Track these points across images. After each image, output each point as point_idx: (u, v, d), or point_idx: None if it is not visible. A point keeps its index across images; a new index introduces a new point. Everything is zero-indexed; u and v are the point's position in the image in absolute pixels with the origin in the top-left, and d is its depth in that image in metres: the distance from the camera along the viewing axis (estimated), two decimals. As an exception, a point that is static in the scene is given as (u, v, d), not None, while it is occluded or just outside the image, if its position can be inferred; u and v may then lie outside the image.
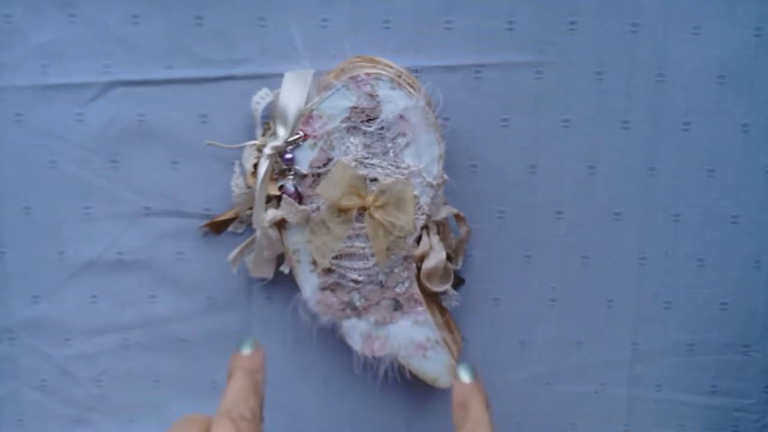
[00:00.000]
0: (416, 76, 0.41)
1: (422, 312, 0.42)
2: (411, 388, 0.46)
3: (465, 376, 0.36)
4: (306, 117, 0.40)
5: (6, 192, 0.44)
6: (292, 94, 0.40)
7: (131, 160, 0.44)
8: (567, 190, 0.44)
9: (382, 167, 0.40)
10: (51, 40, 0.42)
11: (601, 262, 0.46)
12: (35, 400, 0.47)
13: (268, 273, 0.44)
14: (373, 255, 0.41)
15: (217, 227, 0.44)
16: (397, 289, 0.42)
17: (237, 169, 0.42)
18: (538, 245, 0.45)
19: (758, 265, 0.46)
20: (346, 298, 0.42)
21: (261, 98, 0.41)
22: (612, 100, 0.43)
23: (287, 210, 0.41)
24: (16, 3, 0.41)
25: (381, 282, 0.41)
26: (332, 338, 0.44)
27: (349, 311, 0.42)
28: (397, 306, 0.42)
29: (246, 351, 0.34)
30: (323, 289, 0.42)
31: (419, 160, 0.40)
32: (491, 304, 0.46)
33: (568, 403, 0.48)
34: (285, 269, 0.43)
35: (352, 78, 0.39)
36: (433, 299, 0.43)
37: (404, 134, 0.39)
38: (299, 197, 0.41)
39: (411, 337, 0.42)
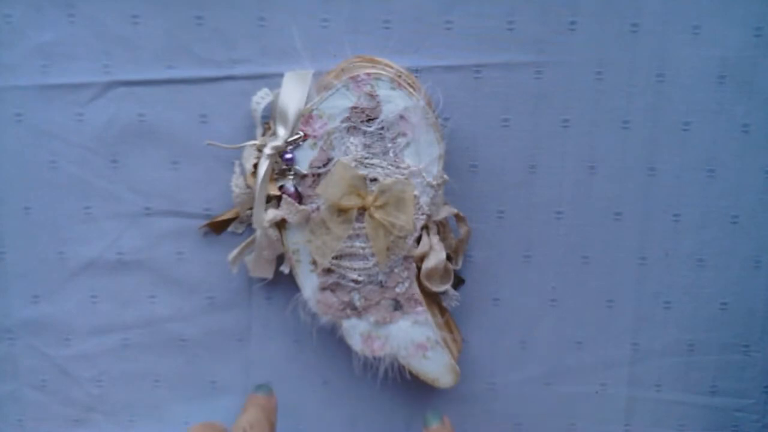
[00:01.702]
0: (416, 76, 0.41)
1: (422, 312, 0.42)
2: (411, 388, 0.46)
3: (433, 423, 0.40)
4: (306, 117, 0.40)
5: (6, 192, 0.44)
6: (292, 94, 0.40)
7: (131, 160, 0.44)
8: (567, 190, 0.44)
9: (382, 167, 0.40)
10: (51, 40, 0.42)
11: (601, 262, 0.46)
12: (35, 400, 0.47)
13: (268, 273, 0.44)
14: (373, 255, 0.41)
15: (217, 227, 0.44)
16: (397, 289, 0.42)
17: (237, 169, 0.42)
18: (538, 245, 0.45)
19: (758, 265, 0.46)
20: (346, 298, 0.42)
21: (261, 98, 0.41)
22: (612, 100, 0.43)
23: (287, 210, 0.41)
24: (16, 3, 0.41)
25: (381, 282, 0.41)
26: (332, 338, 0.44)
27: (349, 311, 0.42)
28: (397, 306, 0.42)
29: (262, 393, 0.39)
30: (323, 289, 0.42)
31: (419, 160, 0.40)
32: (491, 304, 0.46)
33: (568, 403, 0.48)
34: (285, 269, 0.43)
35: (352, 78, 0.39)
36: (433, 299, 0.43)
37: (404, 134, 0.39)
38: (299, 197, 0.41)
39: (411, 337, 0.42)
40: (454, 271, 0.43)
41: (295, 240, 0.42)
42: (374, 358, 0.43)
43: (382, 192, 0.40)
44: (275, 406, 0.39)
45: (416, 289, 0.42)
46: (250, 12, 0.42)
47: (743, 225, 0.45)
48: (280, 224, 0.42)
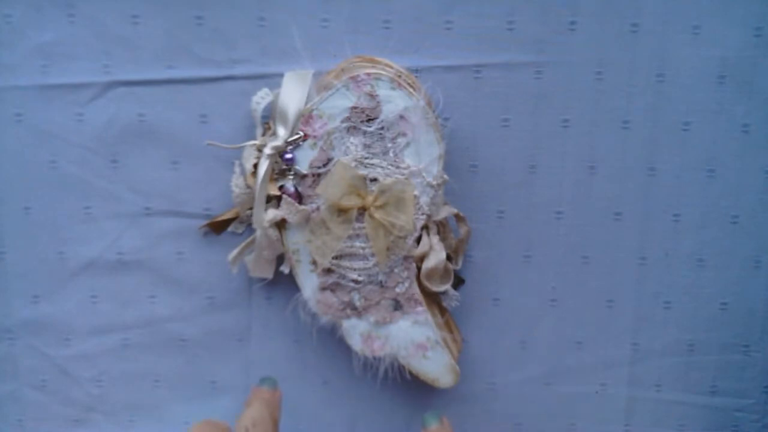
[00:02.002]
0: (416, 76, 0.41)
1: (422, 312, 0.42)
2: (411, 388, 0.46)
3: (432, 424, 0.39)
4: (306, 117, 0.40)
5: (6, 192, 0.44)
6: (292, 94, 0.40)
7: (131, 160, 0.44)
8: (567, 190, 0.44)
9: (382, 167, 0.40)
10: (51, 40, 0.42)
11: (601, 262, 0.46)
12: (35, 400, 0.47)
13: (268, 273, 0.44)
14: (373, 255, 0.41)
15: (217, 227, 0.44)
16: (397, 289, 0.42)
17: (237, 169, 0.42)
18: (538, 245, 0.45)
19: (758, 265, 0.46)
20: (346, 298, 0.42)
21: (261, 98, 0.41)
22: (612, 100, 0.43)
23: (287, 210, 0.41)
24: (16, 3, 0.41)
25: (381, 282, 0.41)
26: (332, 338, 0.44)
27: (349, 311, 0.42)
28: (397, 306, 0.42)
29: (267, 387, 0.38)
30: (323, 289, 0.42)
31: (419, 160, 0.40)
32: (491, 304, 0.46)
33: (568, 403, 0.48)
34: (285, 269, 0.43)
35: (352, 78, 0.39)
36: (433, 299, 0.43)
37: (404, 134, 0.39)
38: (299, 197, 0.41)
39: (411, 337, 0.42)
40: (454, 271, 0.43)
41: (295, 240, 0.42)
42: (374, 358, 0.43)
43: (382, 192, 0.40)
44: (279, 401, 0.38)
45: (416, 289, 0.42)
46: (250, 12, 0.42)
47: (743, 225, 0.45)
48: (280, 224, 0.42)
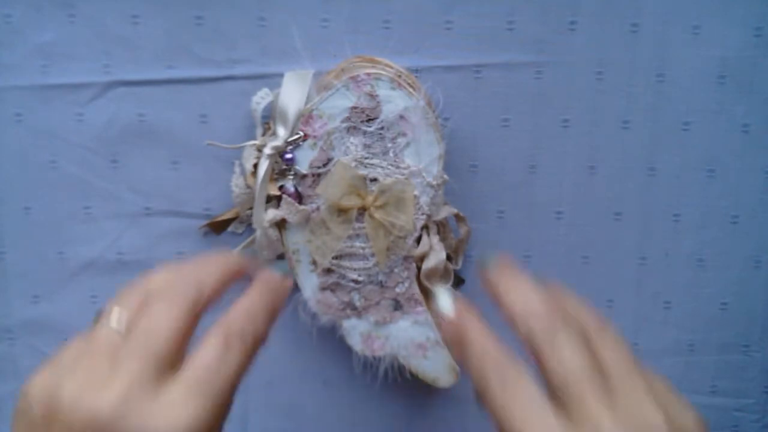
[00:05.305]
0: (416, 76, 0.41)
1: (422, 312, 0.42)
2: (411, 388, 0.46)
3: (445, 306, 0.30)
4: (306, 117, 0.40)
5: (6, 192, 0.44)
6: (292, 94, 0.40)
7: (131, 160, 0.44)
8: (567, 190, 0.44)
9: (382, 167, 0.40)
10: (51, 40, 0.42)
11: (601, 262, 0.46)
12: (35, 400, 0.47)
13: (268, 273, 0.44)
14: (373, 255, 0.41)
15: (217, 227, 0.44)
16: (397, 289, 0.42)
17: (237, 169, 0.42)
18: (538, 245, 0.45)
19: (758, 265, 0.46)
20: (346, 298, 0.42)
21: (261, 98, 0.41)
22: (612, 100, 0.43)
23: (287, 210, 0.41)
24: (16, 3, 0.41)
25: (381, 282, 0.41)
26: (332, 338, 0.44)
27: (349, 311, 0.42)
28: (397, 306, 0.42)
29: (277, 273, 0.30)
30: (323, 289, 0.42)
31: (419, 160, 0.40)
32: (491, 304, 0.46)
33: (568, 403, 0.48)
34: (285, 269, 0.43)
35: (352, 78, 0.39)
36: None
37: (404, 134, 0.39)
38: (299, 197, 0.41)
39: (411, 337, 0.42)
40: (454, 271, 0.43)
41: (295, 240, 0.42)
42: (374, 358, 0.43)
43: (382, 192, 0.40)
44: (288, 290, 0.31)
45: (416, 289, 0.42)
46: (250, 12, 0.42)
47: (743, 225, 0.45)
48: (280, 224, 0.42)
